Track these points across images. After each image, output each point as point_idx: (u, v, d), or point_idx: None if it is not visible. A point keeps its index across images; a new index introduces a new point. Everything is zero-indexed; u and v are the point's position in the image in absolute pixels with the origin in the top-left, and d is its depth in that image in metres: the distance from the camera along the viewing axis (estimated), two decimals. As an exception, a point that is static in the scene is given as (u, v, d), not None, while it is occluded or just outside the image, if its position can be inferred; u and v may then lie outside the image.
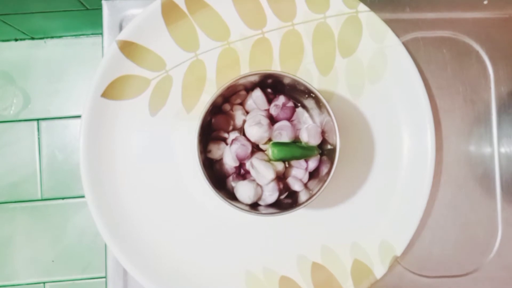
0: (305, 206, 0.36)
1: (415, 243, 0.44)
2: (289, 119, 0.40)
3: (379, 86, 0.43)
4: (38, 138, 0.88)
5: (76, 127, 0.89)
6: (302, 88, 0.37)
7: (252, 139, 0.38)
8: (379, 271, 0.41)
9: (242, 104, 0.40)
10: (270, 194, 0.38)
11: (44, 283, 0.89)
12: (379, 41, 0.42)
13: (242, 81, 0.37)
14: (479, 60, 0.45)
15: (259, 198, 0.38)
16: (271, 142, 0.38)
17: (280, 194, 0.39)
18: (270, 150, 0.38)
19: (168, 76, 0.42)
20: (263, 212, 0.37)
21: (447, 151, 0.44)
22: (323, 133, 0.39)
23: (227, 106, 0.40)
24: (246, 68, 0.43)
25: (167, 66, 0.42)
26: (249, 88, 0.40)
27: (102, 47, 0.44)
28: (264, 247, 0.42)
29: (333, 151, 0.36)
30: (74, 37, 0.89)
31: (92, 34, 0.88)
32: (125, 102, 0.42)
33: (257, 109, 0.40)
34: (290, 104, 0.40)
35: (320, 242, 0.42)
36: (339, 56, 0.43)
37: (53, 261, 0.89)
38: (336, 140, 0.35)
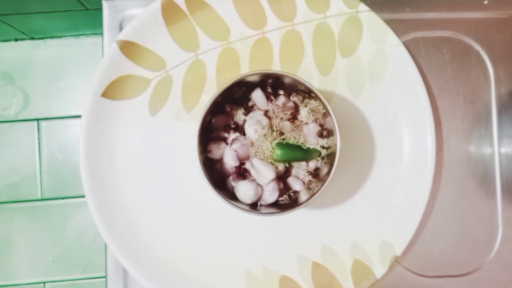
0: (305, 206, 0.36)
1: (415, 243, 0.44)
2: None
3: (380, 86, 0.43)
4: (38, 138, 0.88)
5: (76, 127, 0.89)
6: (302, 88, 0.37)
7: (252, 138, 0.38)
8: (379, 271, 0.41)
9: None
10: (270, 194, 0.38)
11: (44, 283, 0.89)
12: (380, 41, 0.42)
13: (242, 81, 0.37)
14: (480, 60, 0.45)
15: (259, 198, 0.38)
16: (275, 143, 0.38)
17: (280, 194, 0.39)
18: (273, 151, 0.38)
19: (168, 76, 0.42)
20: (263, 212, 0.37)
21: (448, 151, 0.44)
22: (323, 133, 0.39)
23: (227, 106, 0.40)
24: (246, 68, 0.43)
25: (167, 66, 0.42)
26: (249, 88, 0.40)
27: (102, 47, 0.44)
28: (264, 247, 0.42)
29: (333, 151, 0.36)
30: (74, 37, 0.88)
31: (92, 34, 0.88)
32: (125, 102, 0.42)
33: (257, 109, 0.40)
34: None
35: (321, 242, 0.42)
36: (339, 56, 0.43)
37: (53, 261, 0.89)
38: (337, 140, 0.35)
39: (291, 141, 0.38)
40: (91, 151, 0.41)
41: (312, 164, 0.39)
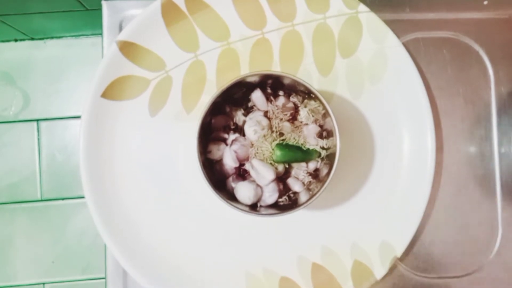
0: (305, 206, 0.36)
1: (415, 244, 0.44)
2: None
3: (379, 87, 0.43)
4: (38, 139, 0.88)
5: (76, 127, 0.89)
6: (302, 88, 0.37)
7: (252, 139, 0.38)
8: (379, 271, 0.41)
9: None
10: (270, 195, 0.38)
11: (43, 283, 0.89)
12: (379, 41, 0.42)
13: (241, 82, 0.37)
14: (479, 60, 0.45)
15: (259, 199, 0.38)
16: (275, 144, 0.38)
17: (280, 195, 0.39)
18: (273, 152, 0.38)
19: (168, 76, 0.42)
20: (263, 212, 0.37)
21: (447, 151, 0.44)
22: (323, 133, 0.39)
23: (227, 107, 0.40)
24: (246, 69, 0.42)
25: (167, 66, 0.42)
26: (249, 89, 0.40)
27: (102, 47, 0.44)
28: (264, 248, 0.42)
29: (333, 151, 0.36)
30: (74, 37, 0.88)
31: (92, 34, 0.88)
32: (125, 102, 0.42)
33: (257, 110, 0.40)
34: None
35: (320, 242, 0.42)
36: (339, 56, 0.43)
37: (53, 261, 0.89)
38: (336, 140, 0.35)
39: (291, 142, 0.38)
40: (91, 152, 0.41)
41: (312, 165, 0.39)
